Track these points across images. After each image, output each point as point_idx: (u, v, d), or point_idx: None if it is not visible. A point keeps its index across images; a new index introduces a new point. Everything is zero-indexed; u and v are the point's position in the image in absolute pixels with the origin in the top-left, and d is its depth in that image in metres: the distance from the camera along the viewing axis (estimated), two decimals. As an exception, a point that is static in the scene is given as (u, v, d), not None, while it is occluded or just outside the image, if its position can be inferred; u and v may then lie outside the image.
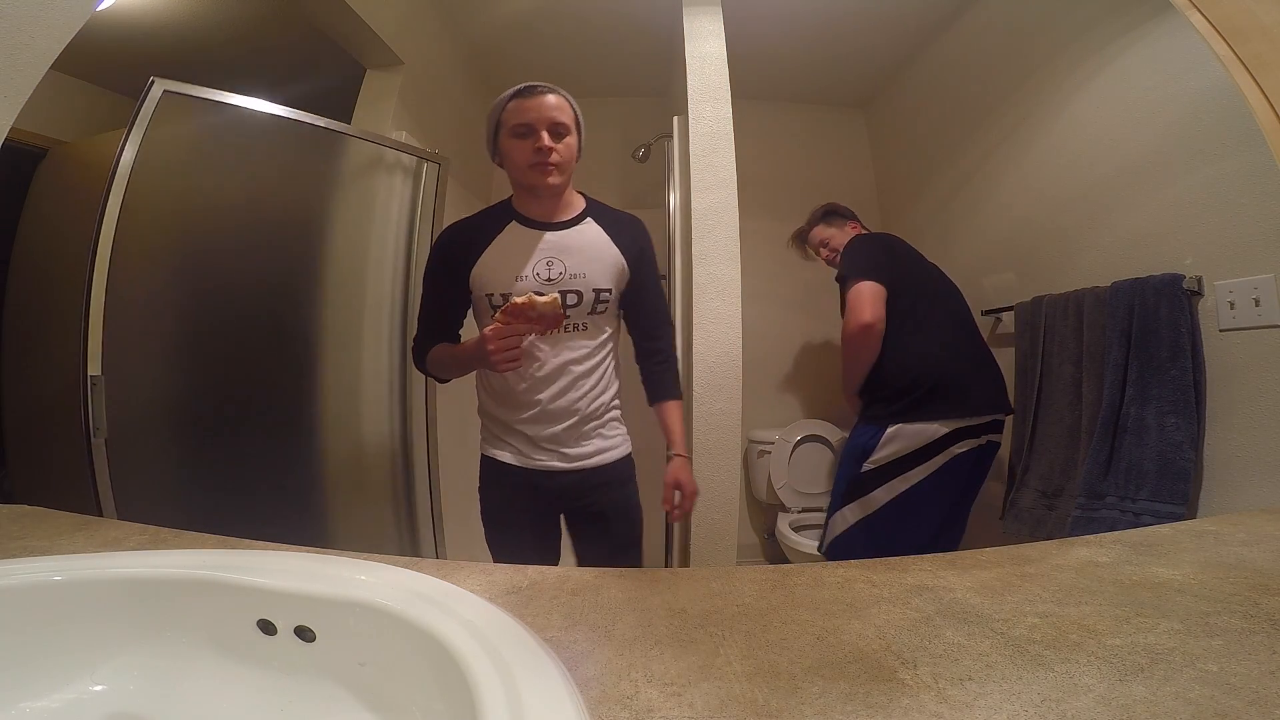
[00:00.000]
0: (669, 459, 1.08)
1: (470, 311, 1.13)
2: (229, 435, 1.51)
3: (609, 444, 1.12)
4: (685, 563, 1.59)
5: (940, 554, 0.62)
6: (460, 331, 1.14)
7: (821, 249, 1.86)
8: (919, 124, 2.56)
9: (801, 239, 1.93)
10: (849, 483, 1.53)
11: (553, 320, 0.92)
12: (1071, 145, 1.76)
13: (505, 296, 1.02)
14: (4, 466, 1.83)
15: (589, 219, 1.10)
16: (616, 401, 1.15)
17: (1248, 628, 0.43)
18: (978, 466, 1.52)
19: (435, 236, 1.66)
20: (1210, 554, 0.59)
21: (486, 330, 0.93)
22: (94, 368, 1.25)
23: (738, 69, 1.76)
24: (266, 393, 1.61)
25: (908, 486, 1.45)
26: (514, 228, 1.07)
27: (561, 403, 1.06)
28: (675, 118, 1.85)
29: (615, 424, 1.15)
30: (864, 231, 1.83)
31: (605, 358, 1.12)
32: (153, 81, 1.37)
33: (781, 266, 2.34)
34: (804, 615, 0.48)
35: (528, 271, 1.04)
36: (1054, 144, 1.83)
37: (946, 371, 1.47)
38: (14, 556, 0.52)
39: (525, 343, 0.97)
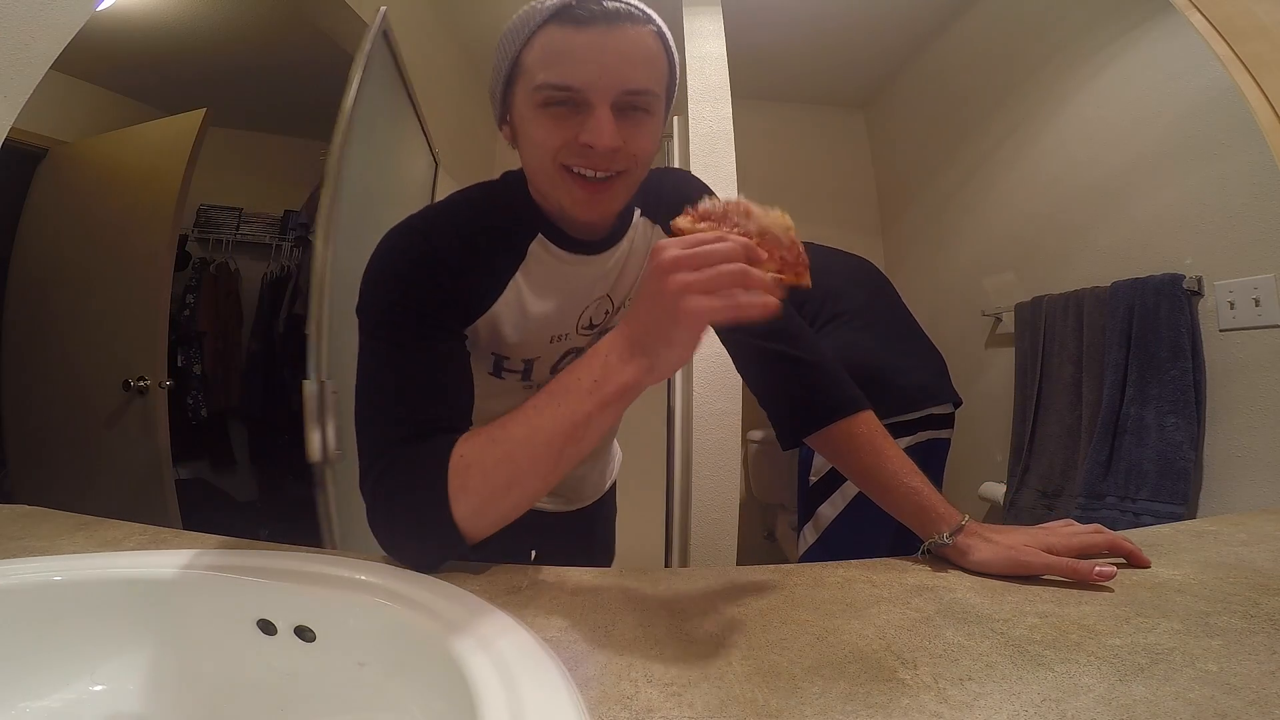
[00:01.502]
0: (948, 535, 0.58)
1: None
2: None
3: (605, 477, 0.99)
4: (685, 563, 1.59)
5: (940, 554, 0.62)
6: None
7: None
8: (919, 124, 2.56)
9: None
10: (803, 499, 1.49)
11: (795, 260, 0.45)
12: (1071, 145, 1.76)
13: (529, 363, 0.67)
14: (4, 466, 1.83)
15: (636, 211, 0.68)
16: None
17: (1248, 628, 0.43)
18: (926, 464, 1.45)
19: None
20: (1210, 554, 0.59)
21: (661, 242, 0.44)
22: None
23: (738, 69, 1.76)
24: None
25: (850, 499, 1.38)
26: (542, 253, 0.62)
27: (583, 467, 0.87)
28: (675, 118, 1.85)
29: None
30: None
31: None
32: (384, 12, 1.09)
33: (781, 266, 2.34)
34: (804, 615, 0.48)
35: (571, 328, 0.67)
36: (1054, 144, 1.83)
37: (863, 371, 1.42)
38: (14, 556, 0.52)
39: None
